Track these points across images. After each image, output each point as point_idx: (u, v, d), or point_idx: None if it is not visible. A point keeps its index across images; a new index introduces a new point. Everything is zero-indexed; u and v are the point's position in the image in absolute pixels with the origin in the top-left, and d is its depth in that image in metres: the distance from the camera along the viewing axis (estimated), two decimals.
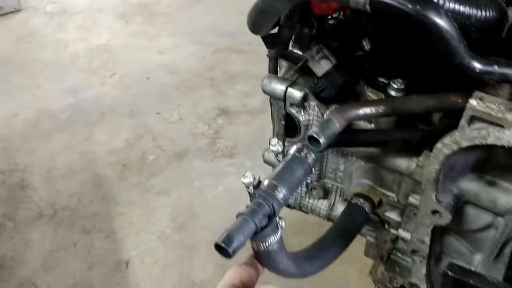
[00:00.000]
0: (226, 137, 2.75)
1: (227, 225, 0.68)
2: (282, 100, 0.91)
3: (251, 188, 0.74)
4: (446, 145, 0.71)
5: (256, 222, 0.68)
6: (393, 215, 0.92)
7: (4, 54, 3.33)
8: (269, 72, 0.99)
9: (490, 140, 0.67)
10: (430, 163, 0.74)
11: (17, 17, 3.68)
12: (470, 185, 0.79)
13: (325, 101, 0.88)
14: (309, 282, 2.15)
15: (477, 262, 0.88)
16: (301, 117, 0.91)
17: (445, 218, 0.78)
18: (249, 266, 0.72)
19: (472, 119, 0.68)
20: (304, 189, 1.05)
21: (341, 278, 2.02)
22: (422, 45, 0.74)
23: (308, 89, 0.89)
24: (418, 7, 0.61)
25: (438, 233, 0.87)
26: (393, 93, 0.82)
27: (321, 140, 0.75)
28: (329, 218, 1.04)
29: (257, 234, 0.70)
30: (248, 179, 0.73)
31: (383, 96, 0.85)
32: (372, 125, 0.87)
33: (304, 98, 0.88)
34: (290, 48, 0.96)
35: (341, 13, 0.87)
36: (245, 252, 0.74)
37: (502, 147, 0.69)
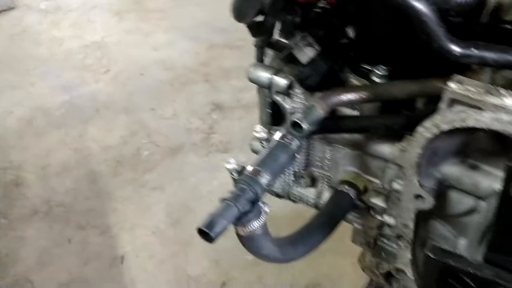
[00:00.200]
0: (220, 132, 2.76)
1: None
2: (267, 88, 0.91)
3: (235, 174, 0.75)
4: (427, 129, 0.72)
5: (239, 207, 0.69)
6: (378, 201, 0.93)
7: None
8: (256, 60, 1.00)
9: (469, 123, 0.68)
10: (412, 148, 0.75)
11: (11, 14, 3.68)
12: (452, 170, 0.80)
13: (310, 88, 0.89)
14: (303, 274, 2.17)
15: (461, 246, 0.89)
16: (287, 104, 0.91)
17: (428, 203, 0.79)
18: None
19: (452, 102, 0.69)
20: (292, 178, 1.05)
21: (335, 270, 2.03)
22: (404, 30, 0.74)
23: (293, 76, 0.89)
24: None
25: (423, 218, 0.88)
26: (376, 79, 0.82)
27: (304, 126, 0.75)
28: (317, 206, 1.05)
29: (240, 219, 0.71)
30: (232, 165, 0.74)
31: (367, 83, 0.85)
32: (356, 112, 0.88)
33: (289, 86, 0.89)
34: (276, 37, 0.97)
35: (327, 1, 0.88)
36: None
37: (483, 130, 0.69)
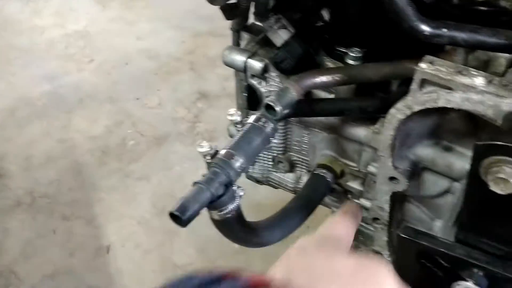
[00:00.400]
0: (206, 121, 2.74)
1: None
2: (243, 72, 0.91)
3: (208, 157, 0.74)
4: (399, 110, 0.72)
5: (212, 191, 0.69)
6: (355, 185, 0.93)
7: None
8: (232, 44, 0.99)
9: (441, 103, 0.68)
10: (385, 130, 0.75)
11: None
12: (426, 151, 0.80)
13: (285, 71, 0.88)
14: None
15: (437, 228, 0.90)
16: (262, 88, 0.91)
17: (402, 184, 0.79)
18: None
19: (423, 83, 0.69)
20: (270, 163, 1.05)
21: None
22: (377, 11, 0.74)
23: (269, 60, 0.89)
24: None
25: (398, 200, 0.88)
26: (350, 61, 0.82)
27: (277, 109, 0.75)
28: (296, 191, 1.05)
29: (214, 203, 0.70)
30: (205, 148, 0.73)
31: (342, 66, 0.85)
32: (332, 95, 0.88)
33: (265, 69, 0.88)
34: (252, 20, 0.96)
35: None
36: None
37: (455, 111, 0.70)
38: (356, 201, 0.95)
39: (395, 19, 0.65)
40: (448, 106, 0.68)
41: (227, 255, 2.08)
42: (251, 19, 0.95)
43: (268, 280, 0.41)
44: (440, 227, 0.90)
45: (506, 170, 0.57)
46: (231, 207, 0.72)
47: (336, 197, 1.00)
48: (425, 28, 0.66)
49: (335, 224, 0.67)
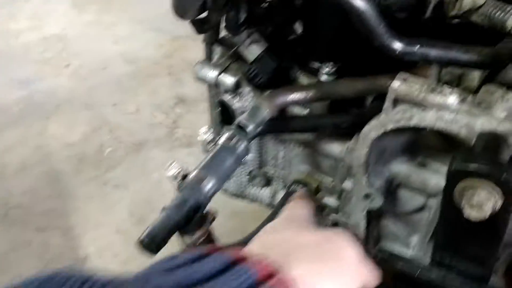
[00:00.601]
0: (184, 126, 2.71)
1: None
2: (215, 87, 0.88)
3: (177, 180, 0.71)
4: (373, 128, 0.70)
5: (181, 217, 0.66)
6: (331, 201, 0.92)
7: None
8: (205, 58, 0.96)
9: (414, 122, 0.67)
10: (359, 147, 0.73)
11: None
12: (401, 168, 0.79)
13: (259, 86, 0.86)
14: None
15: (414, 243, 0.88)
16: (236, 104, 0.89)
17: (377, 202, 0.78)
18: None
19: (396, 101, 0.67)
20: (246, 178, 1.03)
21: None
22: (350, 27, 0.72)
23: (241, 75, 0.86)
24: None
25: (375, 216, 0.87)
26: (324, 77, 0.80)
27: (249, 128, 0.73)
28: (272, 206, 1.03)
29: (183, 229, 0.68)
30: (173, 171, 0.70)
31: (315, 81, 0.83)
32: (307, 111, 0.86)
33: (237, 85, 0.86)
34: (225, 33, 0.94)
35: None
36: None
37: (430, 128, 0.68)
38: (332, 216, 0.93)
39: (367, 36, 0.64)
40: (422, 125, 0.67)
41: None
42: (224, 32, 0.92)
43: (247, 254, 0.45)
44: (417, 242, 0.89)
45: (481, 194, 0.56)
46: (202, 231, 0.69)
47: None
48: (396, 45, 0.64)
49: (296, 207, 0.69)
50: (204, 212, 0.70)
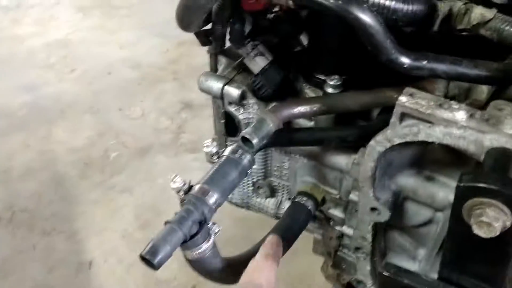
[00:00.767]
0: (189, 131, 2.71)
1: None
2: (220, 98, 0.88)
3: (181, 193, 0.71)
4: (379, 143, 0.70)
5: (184, 231, 0.66)
6: (337, 212, 0.91)
7: None
8: (210, 69, 0.96)
9: (421, 137, 0.66)
10: (365, 161, 0.72)
11: None
12: (408, 181, 0.78)
13: (264, 98, 0.86)
14: None
15: (421, 257, 0.87)
16: (240, 115, 0.88)
17: (384, 215, 0.77)
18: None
19: (403, 116, 0.67)
20: (251, 188, 1.02)
21: (308, 269, 2.01)
22: (356, 40, 0.72)
23: (246, 86, 0.86)
24: (340, 2, 0.59)
25: (381, 229, 0.86)
26: (329, 90, 0.79)
27: (254, 141, 0.72)
28: (277, 217, 1.02)
29: (186, 243, 0.67)
30: (177, 184, 0.70)
31: (321, 93, 0.82)
32: (312, 123, 0.85)
33: (242, 96, 0.85)
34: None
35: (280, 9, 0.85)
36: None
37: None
38: (339, 228, 0.92)
39: (374, 51, 0.63)
40: (429, 140, 0.66)
41: None
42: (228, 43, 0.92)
43: None
44: (424, 256, 0.88)
45: (490, 213, 0.55)
46: (205, 246, 0.69)
47: (318, 224, 0.97)
48: (404, 60, 0.64)
49: (256, 273, 0.68)
50: (208, 225, 0.69)
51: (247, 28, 0.79)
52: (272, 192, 1.01)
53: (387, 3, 0.63)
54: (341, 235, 0.94)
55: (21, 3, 3.61)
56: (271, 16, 0.85)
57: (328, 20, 0.76)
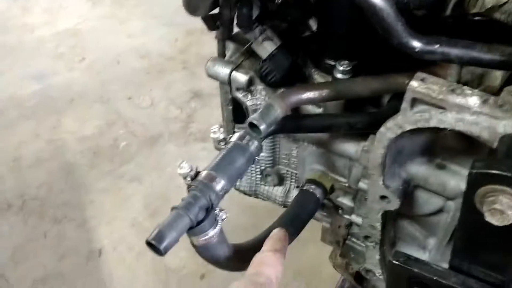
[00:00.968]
0: (199, 120, 2.71)
1: None
2: (227, 84, 0.86)
3: (187, 179, 0.70)
4: (389, 129, 0.68)
5: (191, 217, 0.65)
6: (345, 201, 0.90)
7: None
8: (218, 55, 0.94)
9: (433, 123, 0.64)
10: (375, 148, 0.71)
11: None
12: (419, 169, 0.76)
13: (272, 84, 0.84)
14: (284, 264, 2.15)
15: (431, 246, 0.86)
16: (248, 101, 0.87)
17: (394, 204, 0.76)
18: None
19: (414, 101, 0.65)
20: (259, 176, 1.01)
21: (317, 259, 2.01)
22: (367, 24, 0.70)
23: (254, 72, 0.84)
24: None
25: (391, 218, 0.84)
26: (339, 75, 0.78)
27: (261, 127, 0.71)
28: (285, 205, 1.02)
29: (193, 229, 0.66)
30: (184, 169, 0.69)
31: (330, 79, 0.81)
32: (321, 109, 0.84)
33: (250, 82, 0.84)
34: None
35: None
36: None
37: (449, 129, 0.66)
38: (347, 217, 0.91)
39: (385, 35, 0.61)
40: (441, 126, 0.64)
41: None
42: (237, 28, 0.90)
43: None
44: (434, 245, 0.86)
45: (503, 200, 0.53)
46: (212, 232, 0.68)
47: (326, 212, 0.96)
48: (416, 44, 0.62)
49: (264, 266, 0.66)
50: (215, 211, 0.68)
51: (255, 13, 0.78)
52: (280, 180, 1.00)
53: None
54: (350, 224, 0.93)
55: None
56: (279, 0, 0.83)
57: (337, 4, 0.74)
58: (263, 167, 0.99)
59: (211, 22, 0.81)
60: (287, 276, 1.97)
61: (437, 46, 0.62)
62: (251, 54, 0.86)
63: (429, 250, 0.87)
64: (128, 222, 2.31)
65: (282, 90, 0.83)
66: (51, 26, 3.30)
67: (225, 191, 0.69)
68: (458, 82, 0.75)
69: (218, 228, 0.69)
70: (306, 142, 0.90)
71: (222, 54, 0.93)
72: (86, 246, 2.23)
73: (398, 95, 0.74)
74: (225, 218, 0.71)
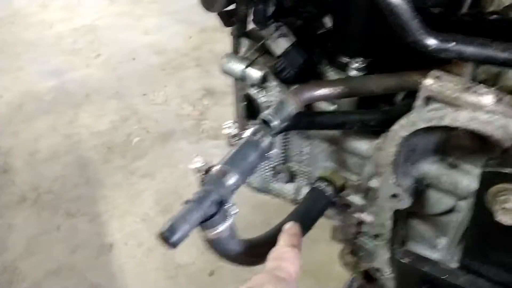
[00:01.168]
0: (211, 118, 2.72)
1: None
2: (241, 80, 0.87)
3: (201, 174, 0.71)
4: (402, 127, 0.68)
5: (203, 210, 0.66)
6: (356, 199, 0.90)
7: None
8: (233, 51, 0.95)
9: (447, 121, 0.64)
10: (388, 146, 0.71)
11: None
12: (431, 168, 0.76)
13: (286, 81, 0.85)
14: None
15: (441, 246, 0.86)
16: (262, 98, 0.87)
17: (405, 202, 0.76)
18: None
19: (428, 99, 0.65)
20: (270, 173, 1.02)
21: (328, 257, 2.00)
22: (382, 21, 0.70)
23: (268, 68, 0.85)
24: None
25: (402, 217, 0.84)
26: (353, 72, 0.78)
27: (274, 123, 0.71)
28: (296, 202, 1.02)
29: (205, 223, 0.67)
30: (197, 164, 0.70)
31: (344, 76, 0.81)
32: (334, 107, 0.84)
33: (264, 78, 0.85)
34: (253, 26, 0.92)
35: None
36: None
37: (463, 128, 0.66)
38: (358, 215, 0.91)
39: (400, 32, 0.61)
40: (455, 125, 0.64)
41: None
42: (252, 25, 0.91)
43: None
44: (444, 245, 0.86)
45: None
46: (223, 226, 0.69)
47: (337, 210, 0.96)
48: (431, 42, 0.62)
49: (284, 261, 0.66)
50: (227, 206, 0.69)
51: (271, 9, 0.78)
52: (292, 177, 1.01)
53: None
54: (360, 222, 0.93)
55: None
56: None
57: (353, 1, 0.75)
58: (274, 164, 0.99)
59: (226, 18, 0.82)
60: None
61: (452, 44, 0.62)
62: (265, 50, 0.87)
63: (439, 250, 0.86)
64: (140, 218, 2.33)
65: (296, 86, 0.83)
66: (69, 22, 3.35)
67: (237, 186, 0.70)
68: (473, 81, 0.75)
69: (229, 222, 0.70)
70: (318, 139, 0.90)
71: (236, 50, 0.94)
72: (98, 240, 2.25)
73: (412, 94, 0.74)
74: (236, 213, 0.71)
